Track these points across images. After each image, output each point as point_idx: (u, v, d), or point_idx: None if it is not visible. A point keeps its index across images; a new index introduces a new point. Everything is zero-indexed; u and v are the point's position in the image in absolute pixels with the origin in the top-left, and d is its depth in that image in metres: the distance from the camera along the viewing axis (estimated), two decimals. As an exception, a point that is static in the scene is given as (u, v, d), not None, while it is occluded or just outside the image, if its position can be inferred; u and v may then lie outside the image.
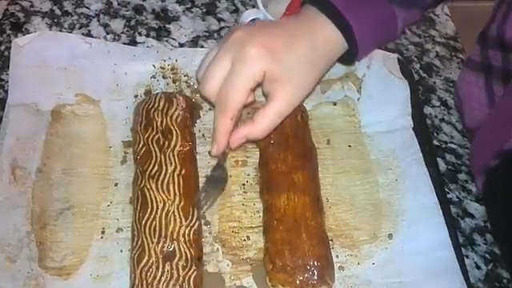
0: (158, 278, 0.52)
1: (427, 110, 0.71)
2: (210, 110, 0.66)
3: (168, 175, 0.57)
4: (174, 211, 0.55)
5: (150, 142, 0.59)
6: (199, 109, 0.67)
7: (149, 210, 0.55)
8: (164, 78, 0.68)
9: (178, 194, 0.56)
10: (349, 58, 0.61)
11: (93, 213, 0.59)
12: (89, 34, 0.72)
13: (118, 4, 0.77)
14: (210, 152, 0.61)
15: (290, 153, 0.60)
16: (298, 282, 0.53)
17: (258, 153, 0.63)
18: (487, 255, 0.61)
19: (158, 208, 0.55)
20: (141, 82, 0.68)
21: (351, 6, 0.58)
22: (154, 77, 0.68)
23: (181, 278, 0.52)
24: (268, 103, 0.56)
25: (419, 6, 0.64)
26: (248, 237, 0.59)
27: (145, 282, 0.52)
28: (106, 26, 0.74)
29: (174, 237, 0.54)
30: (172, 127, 0.60)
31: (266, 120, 0.55)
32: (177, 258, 0.53)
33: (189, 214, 0.55)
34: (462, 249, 0.60)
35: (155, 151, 0.58)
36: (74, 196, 0.59)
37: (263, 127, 0.56)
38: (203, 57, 0.59)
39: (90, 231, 0.58)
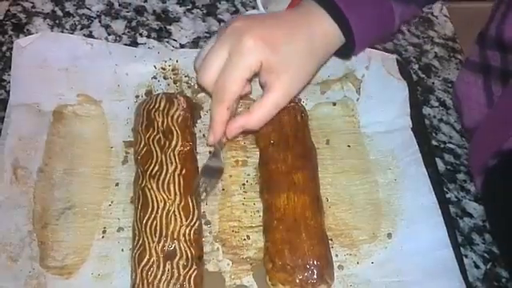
0: (158, 277, 0.52)
1: (426, 110, 0.72)
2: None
3: (169, 175, 0.57)
4: (174, 211, 0.55)
5: (150, 142, 0.59)
6: (200, 109, 0.67)
7: (149, 209, 0.55)
8: (165, 78, 0.69)
9: (178, 193, 0.56)
10: (346, 51, 0.62)
11: (94, 212, 0.59)
12: (90, 35, 0.73)
13: (119, 5, 0.77)
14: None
15: (290, 153, 0.60)
16: (297, 280, 0.53)
17: (258, 153, 0.63)
18: (486, 254, 0.61)
19: (158, 208, 0.55)
20: (142, 83, 0.68)
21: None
22: (155, 77, 0.68)
23: (181, 277, 0.53)
24: (265, 94, 0.56)
25: (416, 2, 0.64)
26: (248, 236, 0.59)
27: (146, 281, 0.52)
28: (107, 26, 0.75)
29: (175, 236, 0.54)
30: (173, 127, 0.60)
31: (263, 110, 0.56)
32: (177, 258, 0.53)
33: (189, 214, 0.56)
34: (461, 248, 0.60)
35: (156, 151, 0.58)
36: (76, 196, 0.60)
37: (260, 117, 0.56)
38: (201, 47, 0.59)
39: (91, 231, 0.58)
